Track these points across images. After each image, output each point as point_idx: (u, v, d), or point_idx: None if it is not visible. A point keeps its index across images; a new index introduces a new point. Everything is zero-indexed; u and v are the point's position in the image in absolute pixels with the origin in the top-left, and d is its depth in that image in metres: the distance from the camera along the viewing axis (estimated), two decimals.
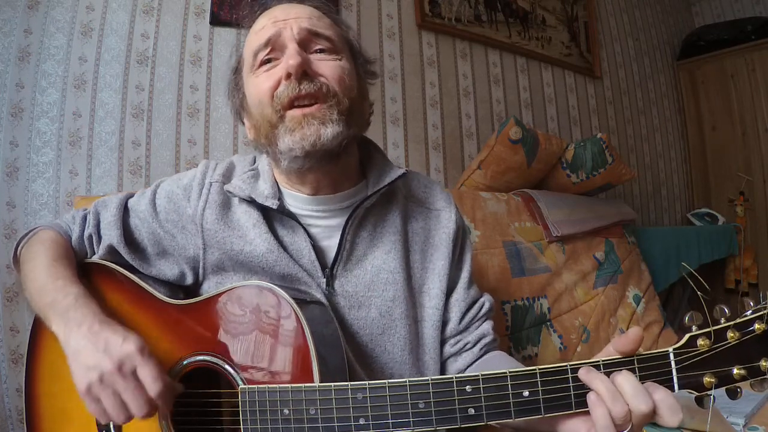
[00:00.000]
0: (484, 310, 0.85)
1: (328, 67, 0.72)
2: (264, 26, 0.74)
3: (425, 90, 2.07)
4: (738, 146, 3.06)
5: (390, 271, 0.77)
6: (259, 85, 0.72)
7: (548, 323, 1.59)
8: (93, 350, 0.60)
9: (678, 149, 3.27)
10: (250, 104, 0.76)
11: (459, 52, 2.20)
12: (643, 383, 0.52)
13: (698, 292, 0.56)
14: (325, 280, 0.75)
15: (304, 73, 0.69)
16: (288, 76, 0.69)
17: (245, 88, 0.77)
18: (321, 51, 0.73)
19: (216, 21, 1.65)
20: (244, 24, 0.80)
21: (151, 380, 0.59)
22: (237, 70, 0.81)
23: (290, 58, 0.69)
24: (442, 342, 0.82)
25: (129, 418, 0.60)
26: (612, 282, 1.85)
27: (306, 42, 0.72)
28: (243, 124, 0.82)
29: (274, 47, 0.72)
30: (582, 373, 0.54)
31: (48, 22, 1.43)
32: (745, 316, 0.54)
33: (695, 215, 3.01)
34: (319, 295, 0.73)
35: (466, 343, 0.82)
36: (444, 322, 0.82)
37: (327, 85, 0.70)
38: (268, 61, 0.73)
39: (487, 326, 0.84)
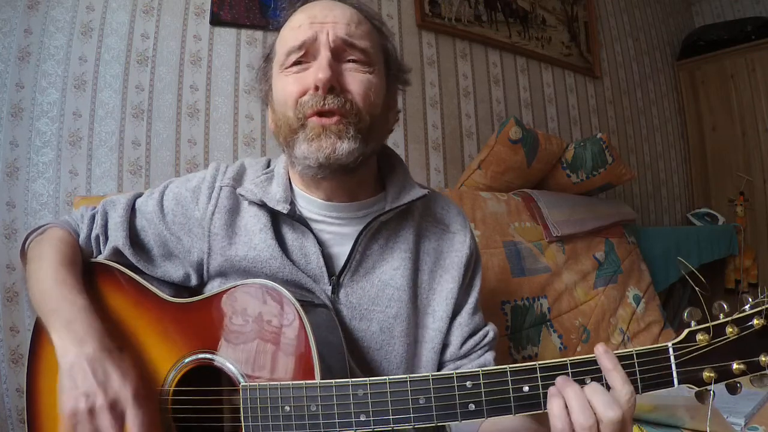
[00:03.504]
0: (487, 340, 0.83)
1: (356, 82, 0.71)
2: (301, 25, 0.72)
3: (425, 90, 2.07)
4: (738, 146, 3.06)
5: (396, 287, 0.76)
6: (287, 87, 0.72)
7: (548, 323, 1.59)
8: (91, 377, 0.60)
9: (678, 149, 3.27)
10: (275, 101, 0.75)
11: (459, 52, 2.20)
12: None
13: (696, 288, 0.57)
14: (330, 287, 0.74)
15: (332, 87, 0.69)
16: (316, 88, 0.69)
17: (273, 82, 0.77)
18: (353, 61, 0.72)
19: (216, 21, 1.65)
20: (282, 17, 0.78)
21: (137, 430, 0.59)
22: (268, 59, 0.79)
23: (320, 71, 0.68)
24: (440, 365, 0.80)
25: None
26: (612, 282, 1.85)
27: (340, 51, 0.71)
28: (267, 108, 0.81)
29: (308, 51, 0.71)
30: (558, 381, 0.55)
31: (48, 22, 1.43)
32: (744, 311, 0.54)
33: (695, 215, 3.01)
34: (325, 301, 0.73)
35: None
36: (444, 345, 0.80)
37: (351, 102, 0.70)
38: (299, 62, 0.72)
39: (488, 357, 0.82)
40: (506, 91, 2.34)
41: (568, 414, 0.52)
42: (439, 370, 0.80)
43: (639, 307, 1.89)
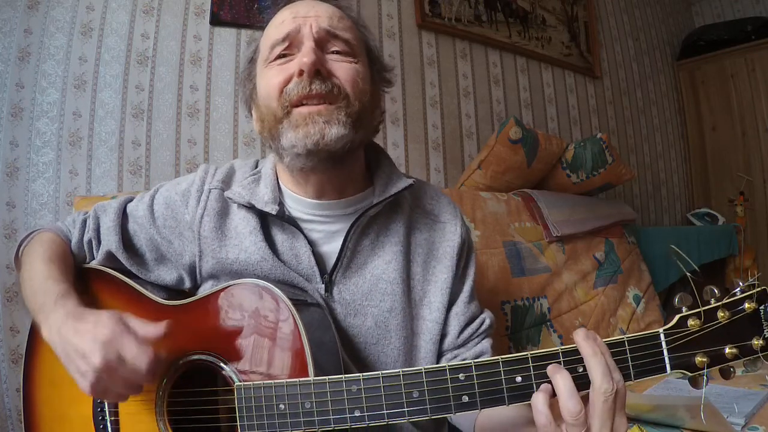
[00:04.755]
0: (484, 327, 0.83)
1: (342, 69, 0.71)
2: (284, 20, 0.73)
3: (425, 90, 2.07)
4: (738, 146, 3.06)
5: (389, 281, 0.76)
6: (271, 78, 0.72)
7: (548, 323, 1.59)
8: (78, 355, 0.60)
9: (678, 149, 3.27)
10: (259, 96, 0.75)
11: (459, 52, 2.20)
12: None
13: (687, 273, 0.57)
14: (323, 285, 0.74)
15: (317, 72, 0.68)
16: (300, 73, 0.68)
17: (257, 79, 0.77)
18: (338, 53, 0.72)
19: (216, 21, 1.65)
20: (267, 16, 0.79)
21: (135, 361, 0.59)
22: (252, 60, 0.79)
23: (305, 56, 0.68)
24: (439, 355, 0.81)
25: (138, 392, 0.63)
26: (612, 282, 1.85)
27: (323, 42, 0.72)
28: (251, 115, 0.81)
29: (291, 43, 0.72)
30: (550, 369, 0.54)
31: (48, 22, 1.44)
32: (734, 295, 0.54)
33: (695, 215, 3.00)
34: (318, 300, 0.73)
35: (464, 360, 0.79)
36: (442, 336, 0.80)
37: (339, 87, 0.70)
38: (284, 55, 0.72)
39: (486, 344, 0.82)
40: (506, 91, 2.34)
41: (551, 409, 0.52)
42: (438, 360, 0.80)
43: (639, 307, 1.89)
